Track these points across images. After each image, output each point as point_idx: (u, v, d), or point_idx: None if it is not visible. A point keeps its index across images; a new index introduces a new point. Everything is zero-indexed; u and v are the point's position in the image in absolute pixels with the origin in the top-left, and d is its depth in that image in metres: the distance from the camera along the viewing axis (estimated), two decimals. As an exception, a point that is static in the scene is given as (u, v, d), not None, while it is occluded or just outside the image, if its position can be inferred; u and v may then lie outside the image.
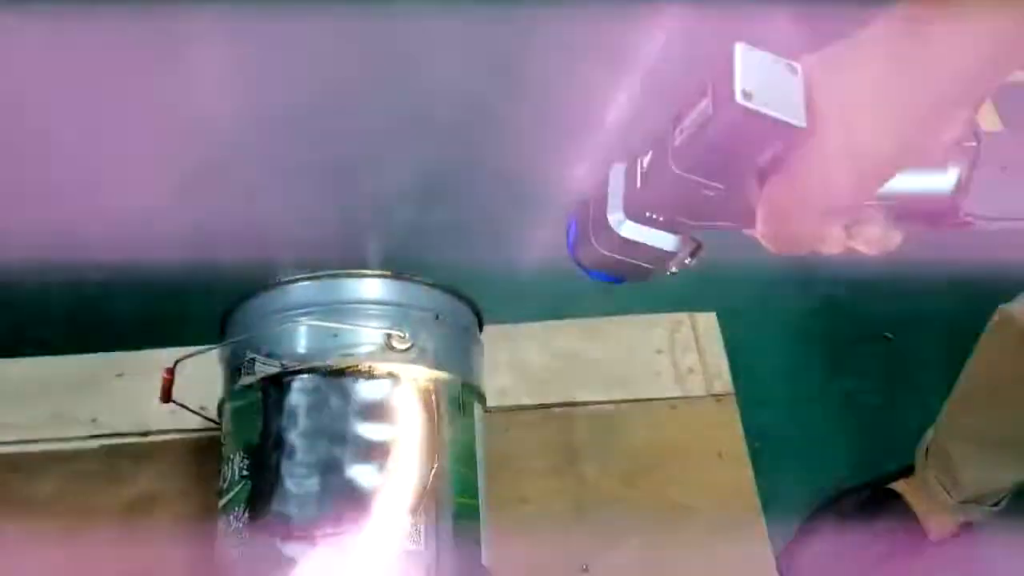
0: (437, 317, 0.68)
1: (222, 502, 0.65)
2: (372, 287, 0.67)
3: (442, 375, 0.67)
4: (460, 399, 0.68)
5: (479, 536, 0.66)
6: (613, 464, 0.83)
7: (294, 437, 0.62)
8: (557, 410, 0.85)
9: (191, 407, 0.74)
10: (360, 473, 0.61)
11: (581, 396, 0.86)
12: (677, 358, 0.88)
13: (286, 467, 0.62)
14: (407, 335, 0.66)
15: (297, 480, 0.61)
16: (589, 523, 0.80)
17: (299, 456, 0.62)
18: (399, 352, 0.65)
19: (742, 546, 0.80)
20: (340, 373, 0.64)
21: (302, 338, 0.65)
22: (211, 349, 0.70)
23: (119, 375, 0.85)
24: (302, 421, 0.63)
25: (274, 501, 0.61)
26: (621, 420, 0.85)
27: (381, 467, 0.62)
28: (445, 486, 0.64)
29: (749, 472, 0.83)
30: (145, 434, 0.82)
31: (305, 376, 0.64)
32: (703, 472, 0.83)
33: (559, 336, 0.89)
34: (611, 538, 0.80)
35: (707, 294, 0.92)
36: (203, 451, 0.81)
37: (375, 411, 0.63)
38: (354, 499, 0.61)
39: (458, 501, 0.64)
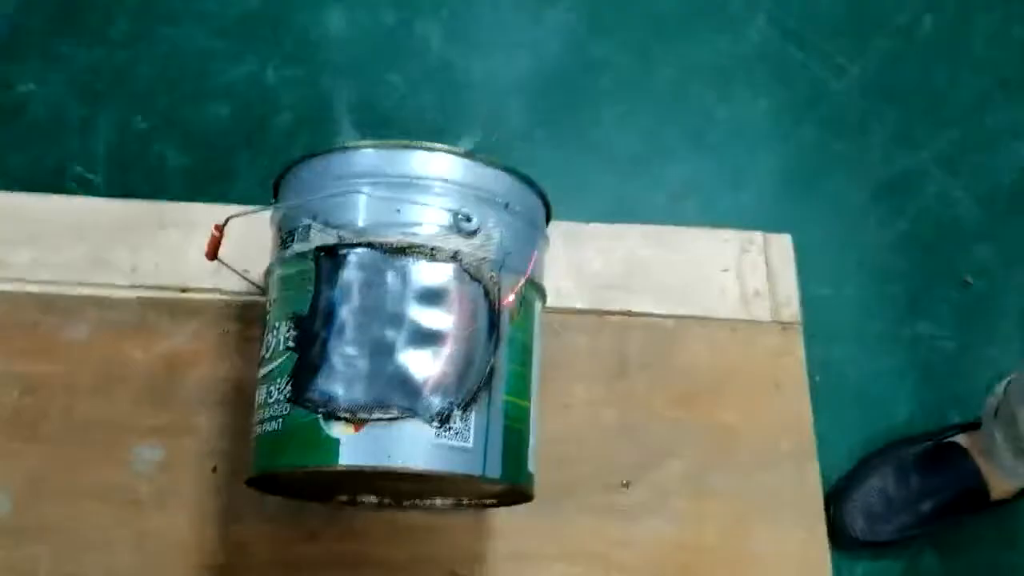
0: (507, 206, 0.64)
1: (262, 372, 0.62)
2: (443, 163, 0.62)
3: (507, 266, 0.62)
4: (522, 294, 0.64)
5: (528, 441, 0.62)
6: (665, 381, 0.79)
7: (346, 313, 0.59)
8: (613, 318, 0.81)
9: (234, 267, 0.70)
10: (412, 359, 0.58)
11: (639, 306, 0.82)
12: (744, 278, 0.83)
13: (335, 344, 0.58)
14: (475, 220, 0.61)
15: (346, 359, 0.58)
16: (634, 439, 0.77)
17: (350, 334, 0.58)
18: (465, 237, 0.61)
19: (791, 480, 0.76)
20: (401, 251, 0.59)
21: (363, 210, 0.61)
22: (265, 210, 0.65)
23: (162, 226, 0.81)
24: (356, 298, 0.59)
25: (320, 378, 0.58)
26: (678, 337, 0.81)
27: (435, 355, 0.58)
28: (499, 384, 0.60)
29: (807, 406, 0.79)
30: (184, 290, 0.78)
31: (363, 250, 0.60)
32: (759, 400, 0.79)
33: (622, 240, 0.84)
34: (655, 457, 0.77)
35: (784, 215, 0.87)
36: (242, 316, 0.78)
37: (434, 296, 0.59)
38: (404, 386, 0.57)
39: (510, 401, 0.61)
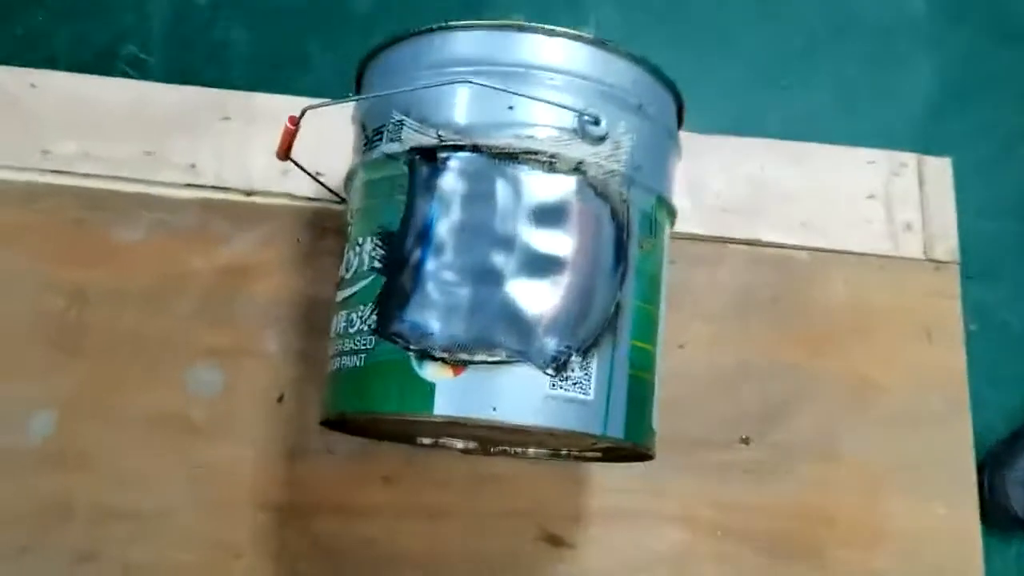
0: (640, 107, 0.52)
1: (342, 295, 0.52)
2: (567, 51, 0.51)
3: (638, 182, 0.51)
4: (652, 216, 0.53)
5: (653, 392, 0.52)
6: (796, 324, 0.68)
7: (445, 231, 0.48)
8: (736, 248, 0.70)
9: (307, 169, 0.60)
10: (524, 291, 0.47)
11: (768, 235, 0.70)
12: (893, 208, 0.71)
13: (432, 267, 0.48)
14: (603, 123, 0.50)
15: (444, 286, 0.47)
16: (757, 388, 0.67)
17: (449, 256, 0.48)
18: (591, 143, 0.50)
19: (939, 444, 0.66)
20: (513, 158, 0.48)
21: (468, 105, 0.50)
22: (348, 102, 0.55)
23: (224, 118, 0.71)
24: (457, 213, 0.48)
25: (411, 307, 0.48)
26: (813, 272, 0.70)
27: (551, 287, 0.48)
28: (625, 325, 0.50)
29: (961, 358, 0.68)
30: (249, 193, 0.69)
31: (467, 155, 0.49)
32: (905, 350, 0.68)
33: (748, 157, 0.72)
34: (780, 410, 0.66)
35: (943, 134, 0.74)
36: (317, 225, 0.68)
37: (552, 214, 0.48)
38: (514, 323, 0.47)
39: (636, 346, 0.50)
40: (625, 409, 0.49)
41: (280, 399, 0.64)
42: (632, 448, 0.50)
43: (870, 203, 0.71)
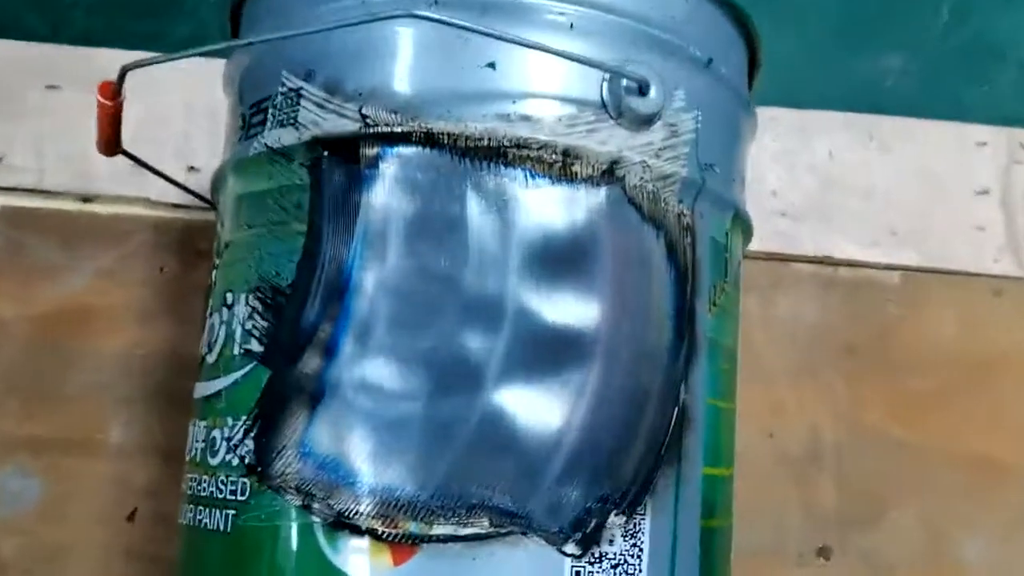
0: (710, 63, 0.31)
1: (202, 390, 0.30)
2: (590, -35, 0.29)
3: (709, 191, 0.30)
4: (727, 247, 0.32)
5: (731, 544, 0.31)
6: (886, 376, 0.48)
7: (378, 289, 0.27)
8: (800, 268, 0.49)
9: (162, 171, 0.38)
10: (523, 400, 0.26)
11: (844, 249, 0.50)
12: (1015, 208, 0.51)
13: (353, 354, 0.26)
14: (653, 90, 0.28)
15: (377, 394, 0.26)
16: (836, 477, 0.46)
17: (384, 335, 0.26)
18: (633, 126, 0.28)
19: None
20: (498, 155, 0.27)
21: (414, 61, 0.28)
22: (194, 55, 0.32)
23: (51, 86, 0.47)
24: (399, 255, 0.27)
25: (316, 430, 0.26)
26: (908, 301, 0.49)
27: (570, 391, 0.26)
28: (695, 446, 0.29)
29: (1112, 422, 0.48)
30: (88, 199, 0.46)
31: (416, 150, 0.27)
32: (1040, 414, 0.48)
33: (816, 138, 0.51)
34: (870, 506, 0.46)
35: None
36: (187, 248, 0.45)
37: (567, 258, 0.27)
38: (505, 460, 0.26)
39: (709, 477, 0.29)
40: (695, 590, 0.28)
41: (131, 517, 0.42)
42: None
43: (982, 202, 0.51)
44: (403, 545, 0.25)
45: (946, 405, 0.48)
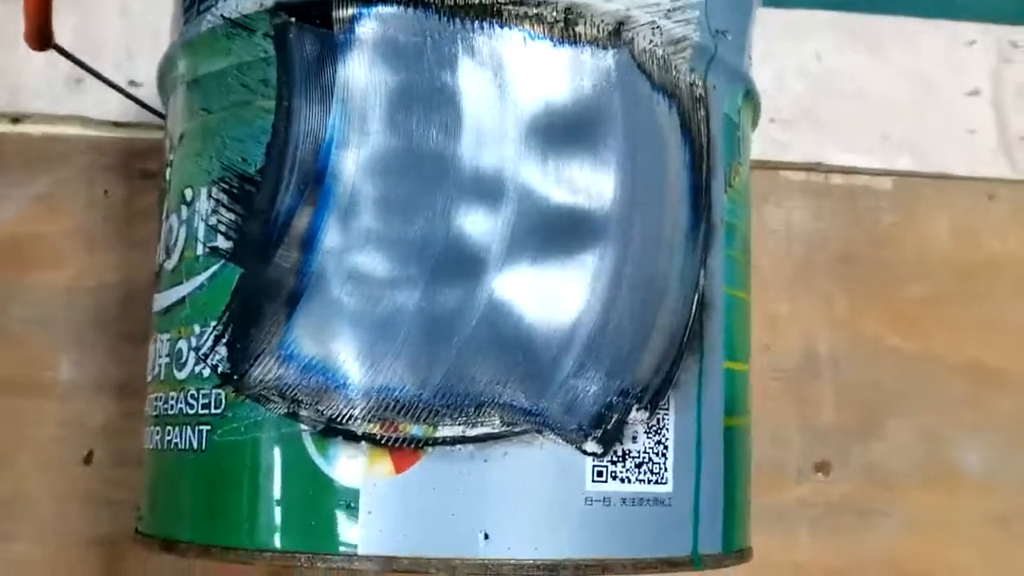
0: (719, -85, 0.28)
1: (161, 302, 0.27)
2: None
3: (721, 59, 0.27)
4: (739, 126, 0.29)
5: (749, 453, 0.29)
6: (879, 287, 0.46)
7: (360, 169, 0.23)
8: (792, 176, 0.47)
9: (101, 73, 0.34)
10: (530, 287, 0.23)
11: (837, 155, 0.47)
12: (1006, 109, 0.49)
13: (336, 243, 0.23)
14: (664, -59, 0.25)
15: (364, 284, 0.23)
16: (833, 390, 0.45)
17: (370, 220, 0.23)
18: (641, -17, 0.25)
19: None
20: (490, 13, 0.24)
21: (391, -91, 0.24)
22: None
23: (-29, -4, 0.43)
24: (382, 130, 0.23)
25: (298, 327, 0.23)
26: (902, 207, 0.47)
27: (583, 275, 0.24)
28: (716, 336, 0.26)
29: (1108, 327, 0.47)
30: (17, 119, 0.42)
31: (396, 9, 0.24)
32: (1033, 317, 0.47)
33: (804, 39, 0.48)
34: (868, 418, 0.45)
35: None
36: (132, 170, 0.41)
37: (572, 128, 0.24)
38: (513, 353, 0.23)
39: (730, 371, 0.27)
40: (723, 497, 0.26)
41: (88, 459, 0.39)
42: (727, 562, 0.27)
43: (973, 103, 0.49)
44: (405, 450, 0.22)
45: (942, 312, 0.46)
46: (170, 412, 0.25)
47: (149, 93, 0.39)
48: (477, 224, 0.23)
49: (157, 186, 0.41)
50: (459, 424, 0.22)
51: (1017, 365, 0.46)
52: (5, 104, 0.41)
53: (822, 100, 0.48)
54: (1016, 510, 0.44)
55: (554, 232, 0.23)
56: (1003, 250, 0.47)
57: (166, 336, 0.26)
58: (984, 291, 0.47)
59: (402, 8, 0.24)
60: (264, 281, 0.24)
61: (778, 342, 0.45)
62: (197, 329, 0.25)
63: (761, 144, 0.46)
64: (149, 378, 0.27)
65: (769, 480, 0.43)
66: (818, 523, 0.43)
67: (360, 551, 0.22)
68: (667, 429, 0.24)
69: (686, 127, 0.26)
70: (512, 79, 0.24)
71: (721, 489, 0.26)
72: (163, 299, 0.27)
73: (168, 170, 0.28)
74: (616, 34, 0.25)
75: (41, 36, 0.29)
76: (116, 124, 0.41)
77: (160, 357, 0.26)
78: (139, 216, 0.40)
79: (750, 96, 0.29)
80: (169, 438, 0.25)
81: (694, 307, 0.25)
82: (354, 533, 0.22)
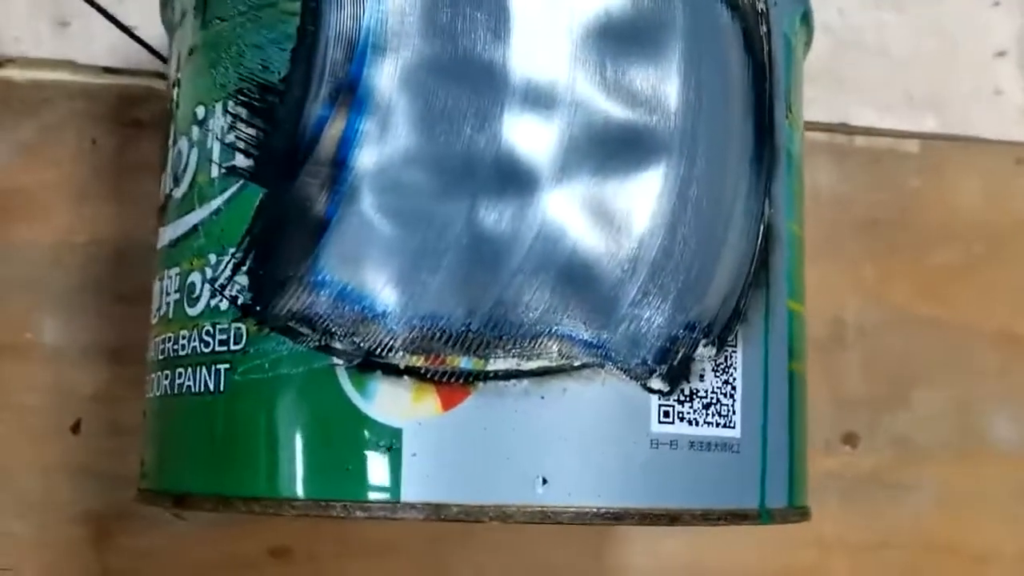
0: None
1: (169, 234, 0.24)
2: None
3: (780, -26, 0.25)
4: (794, 45, 0.27)
5: (807, 402, 0.27)
6: (906, 253, 0.44)
7: (396, 77, 0.21)
8: (815, 137, 0.45)
9: (105, 9, 0.31)
10: (588, 206, 0.21)
11: (860, 116, 0.45)
12: (1031, 71, 0.48)
13: (373, 158, 0.21)
14: None
15: (403, 202, 0.20)
16: (860, 359, 0.43)
17: (409, 132, 0.21)
18: None
19: None
20: (543, -92, 0.21)
21: None
22: None
23: (-53, -67, 0.40)
24: (419, 33, 0.21)
25: (330, 251, 0.21)
26: (928, 171, 0.45)
27: (645, 194, 0.21)
28: (780, 272, 0.24)
29: None
30: (1, 63, 0.39)
31: (439, -99, 0.21)
32: (1065, 284, 0.45)
33: None
34: (897, 389, 0.43)
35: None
36: (121, 117, 0.38)
37: (632, 35, 0.22)
38: (571, 279, 0.20)
39: (793, 312, 0.25)
40: (788, 446, 0.24)
41: (75, 428, 0.36)
42: (791, 518, 0.25)
43: (1000, 64, 0.47)
44: (453, 385, 0.20)
45: (971, 280, 0.44)
46: (180, 353, 0.22)
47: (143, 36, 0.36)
48: (529, 136, 0.21)
49: (150, 136, 0.38)
50: (512, 356, 0.20)
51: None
52: (-15, 46, 0.39)
53: (845, 57, 0.46)
54: (1052, 482, 0.43)
55: (613, 146, 0.21)
56: (1028, 217, 0.45)
57: (175, 271, 0.23)
58: (1015, 256, 0.45)
59: (446, -100, 0.21)
60: (291, 201, 0.21)
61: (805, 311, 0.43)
62: (212, 259, 0.22)
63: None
64: (154, 320, 0.24)
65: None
66: (846, 495, 0.41)
67: (403, 498, 0.19)
68: (735, 368, 0.22)
69: (748, 42, 0.24)
70: (567, -20, 0.21)
71: (786, 438, 0.24)
72: (171, 231, 0.24)
73: (176, 91, 0.25)
74: (678, -58, 0.22)
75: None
76: (106, 70, 0.38)
77: (167, 295, 0.24)
78: (130, 168, 0.37)
79: (807, 19, 0.28)
80: (180, 381, 0.22)
81: (760, 237, 0.23)
82: (396, 478, 0.19)
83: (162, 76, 0.38)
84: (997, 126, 0.46)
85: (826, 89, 0.46)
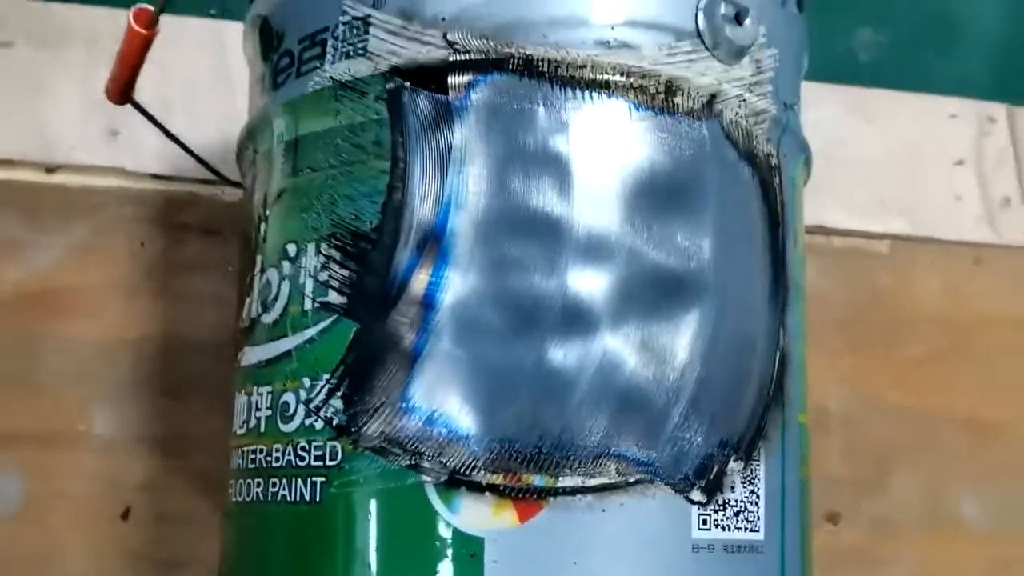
0: (784, 1, 0.30)
1: (256, 355, 0.27)
2: None
3: (790, 128, 0.29)
4: (799, 186, 0.31)
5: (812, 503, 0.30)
6: (880, 345, 0.48)
7: (477, 230, 0.24)
8: (796, 237, 0.49)
9: (170, 131, 0.34)
10: (641, 343, 0.24)
11: (838, 219, 0.50)
12: (986, 177, 0.53)
13: (457, 299, 0.24)
14: (749, 20, 0.27)
15: (483, 339, 0.24)
16: (837, 444, 0.47)
17: (487, 278, 0.24)
18: (728, 58, 0.27)
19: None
20: (599, 85, 0.25)
21: (500, -15, 0.26)
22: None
23: (4, 43, 0.43)
24: (497, 191, 0.25)
25: (421, 381, 0.24)
26: (897, 269, 0.50)
27: (686, 332, 0.25)
28: (793, 391, 0.28)
29: (1087, 381, 0.50)
30: (51, 169, 0.41)
31: (509, 78, 0.25)
32: (1019, 370, 0.49)
33: (807, 111, 0.51)
34: (876, 472, 0.47)
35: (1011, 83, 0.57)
36: (169, 222, 0.42)
37: (675, 192, 0.26)
38: (628, 406, 0.24)
39: (802, 425, 0.29)
40: (800, 544, 0.27)
41: (125, 515, 0.38)
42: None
43: (959, 172, 0.52)
44: (528, 500, 0.23)
45: (938, 371, 0.49)
46: (275, 464, 0.25)
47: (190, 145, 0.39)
48: (590, 283, 0.24)
49: (195, 238, 0.41)
50: (578, 475, 0.23)
51: (1010, 418, 0.49)
52: (38, 154, 0.41)
53: (823, 167, 0.51)
54: (1016, 556, 0.47)
55: (659, 291, 0.25)
56: (991, 311, 0.50)
57: (266, 389, 0.26)
58: (976, 350, 0.49)
59: (516, 76, 0.25)
60: (382, 336, 0.24)
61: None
62: (307, 382, 0.25)
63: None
64: (242, 431, 0.27)
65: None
66: (828, 570, 0.45)
67: (487, 597, 0.22)
68: (759, 479, 0.25)
69: (765, 193, 0.28)
70: (619, 145, 0.25)
71: (799, 536, 0.27)
72: (260, 352, 0.27)
73: (263, 225, 0.28)
74: (709, 106, 0.26)
75: (124, 89, 0.30)
76: (154, 176, 0.42)
77: (258, 410, 0.27)
78: (177, 268, 0.40)
79: (808, 162, 0.32)
80: (274, 490, 0.25)
81: (777, 362, 0.27)
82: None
83: (206, 182, 0.41)
84: (957, 229, 0.51)
85: (807, 196, 0.50)
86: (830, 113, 0.52)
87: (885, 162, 0.52)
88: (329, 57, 0.27)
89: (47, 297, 0.40)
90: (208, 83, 0.43)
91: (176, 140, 0.36)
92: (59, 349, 0.39)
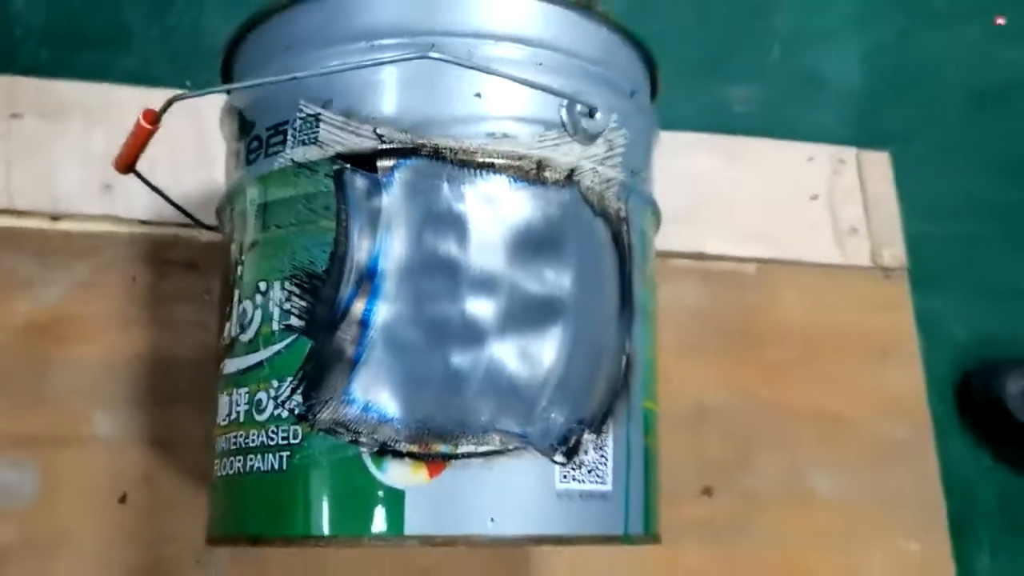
0: (633, 94, 0.40)
1: (236, 365, 0.36)
2: (549, 17, 0.37)
3: (636, 190, 0.39)
4: (647, 235, 0.41)
5: (659, 466, 0.40)
6: (751, 349, 0.59)
7: (399, 270, 0.34)
8: (680, 263, 0.60)
9: (168, 196, 0.43)
10: (518, 348, 0.34)
11: (714, 246, 0.60)
12: (837, 209, 0.64)
13: (384, 321, 0.33)
14: (600, 114, 0.37)
15: (405, 349, 0.33)
16: (713, 430, 0.57)
17: (406, 305, 0.34)
18: (585, 141, 0.37)
19: (907, 475, 0.59)
20: (487, 167, 0.35)
21: (418, 91, 0.35)
22: (247, 87, 0.38)
23: (14, 115, 0.51)
24: (414, 243, 0.34)
25: (359, 380, 0.33)
26: (762, 287, 0.61)
27: (552, 341, 0.35)
28: (637, 383, 0.38)
29: (919, 377, 0.61)
30: (56, 217, 0.50)
31: (424, 161, 0.35)
32: (864, 373, 0.60)
33: (684, 154, 0.61)
34: (743, 452, 0.57)
35: (871, 129, 0.67)
36: (155, 259, 0.50)
37: (544, 242, 0.35)
38: (509, 394, 0.33)
39: (647, 409, 0.38)
40: (643, 494, 0.37)
41: (123, 499, 0.47)
42: (645, 541, 0.38)
43: (814, 205, 0.63)
44: (436, 462, 0.32)
45: (795, 371, 0.59)
46: (252, 445, 0.35)
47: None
48: (482, 308, 0.34)
49: (178, 273, 0.50)
50: (472, 444, 0.33)
51: (855, 410, 0.59)
52: (46, 205, 0.50)
53: (702, 203, 0.61)
54: (857, 522, 0.57)
55: (533, 313, 0.34)
56: (839, 323, 0.61)
57: (244, 390, 0.35)
58: (826, 353, 0.60)
59: (427, 160, 0.35)
60: (330, 349, 0.34)
61: (673, 395, 0.56)
62: (275, 384, 0.34)
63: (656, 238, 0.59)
64: (225, 422, 0.36)
65: (667, 500, 0.54)
66: (704, 535, 0.55)
67: (407, 532, 0.32)
68: (607, 446, 0.35)
69: (615, 240, 0.37)
70: (503, 208, 0.35)
71: (642, 488, 0.37)
72: (239, 363, 0.36)
73: (239, 267, 0.37)
74: (570, 177, 0.36)
75: (129, 165, 0.39)
76: (142, 222, 0.50)
77: (238, 405, 0.36)
78: (164, 299, 0.49)
79: (655, 213, 0.42)
80: (252, 464, 0.34)
81: (623, 364, 0.37)
82: (400, 521, 0.32)
83: (186, 226, 0.50)
84: (812, 253, 0.62)
85: (689, 227, 0.61)
86: (708, 159, 0.62)
87: (753, 198, 0.62)
88: (290, 143, 0.36)
89: (55, 325, 0.48)
90: (186, 144, 0.52)
91: (162, 194, 0.44)
92: (66, 367, 0.48)
